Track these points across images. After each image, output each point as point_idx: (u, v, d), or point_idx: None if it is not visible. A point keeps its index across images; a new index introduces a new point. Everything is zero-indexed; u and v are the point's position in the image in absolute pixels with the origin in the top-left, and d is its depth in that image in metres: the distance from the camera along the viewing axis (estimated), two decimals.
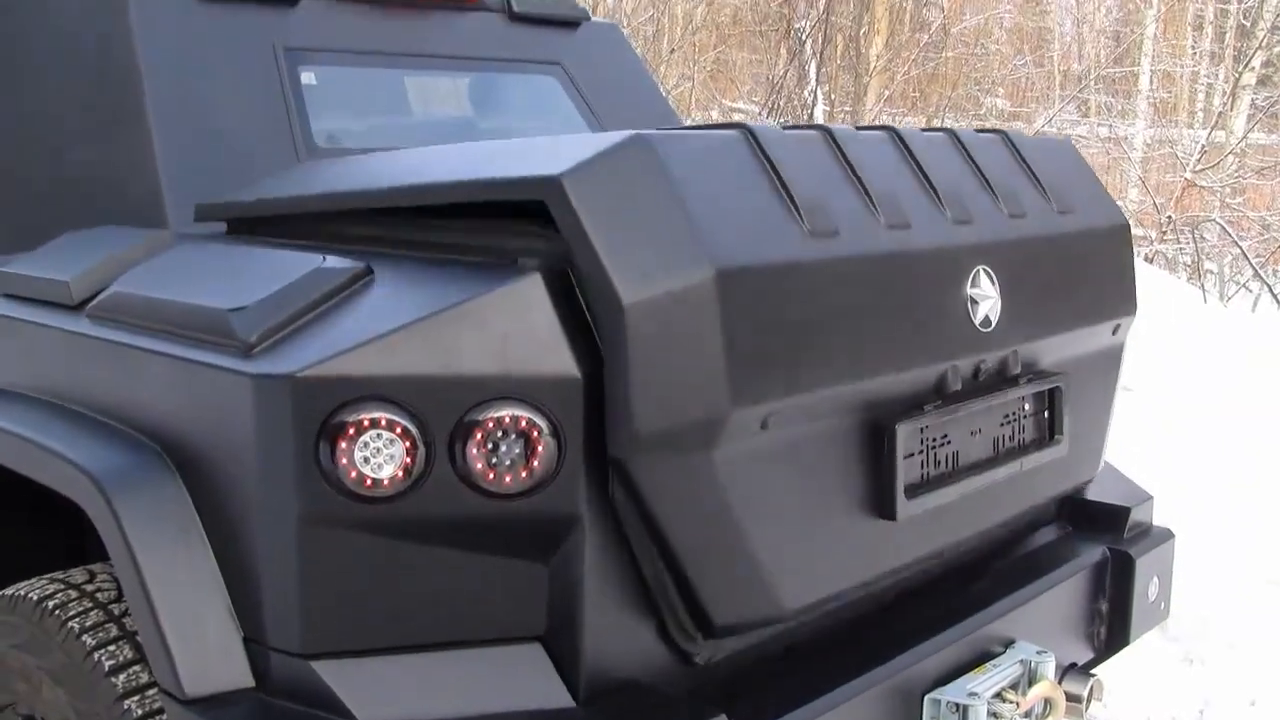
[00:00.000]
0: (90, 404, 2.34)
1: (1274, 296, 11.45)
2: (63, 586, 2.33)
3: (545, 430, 1.99)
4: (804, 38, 16.01)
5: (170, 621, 2.02)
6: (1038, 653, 2.62)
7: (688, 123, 5.23)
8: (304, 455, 1.94)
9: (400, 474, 1.95)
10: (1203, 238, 13.72)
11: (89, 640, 2.21)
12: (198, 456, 2.11)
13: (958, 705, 2.43)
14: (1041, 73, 21.82)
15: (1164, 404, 7.11)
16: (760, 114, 14.79)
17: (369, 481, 1.94)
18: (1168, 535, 3.15)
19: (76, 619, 2.25)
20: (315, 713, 1.99)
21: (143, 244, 2.53)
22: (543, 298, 1.99)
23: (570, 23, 3.64)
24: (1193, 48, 20.58)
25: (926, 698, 2.43)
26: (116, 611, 2.27)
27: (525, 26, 3.51)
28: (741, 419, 2.05)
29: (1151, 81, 19.53)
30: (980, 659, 2.56)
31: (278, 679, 2.03)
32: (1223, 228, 13.43)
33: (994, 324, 2.52)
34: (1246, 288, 12.24)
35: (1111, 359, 3.02)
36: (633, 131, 2.09)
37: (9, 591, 2.37)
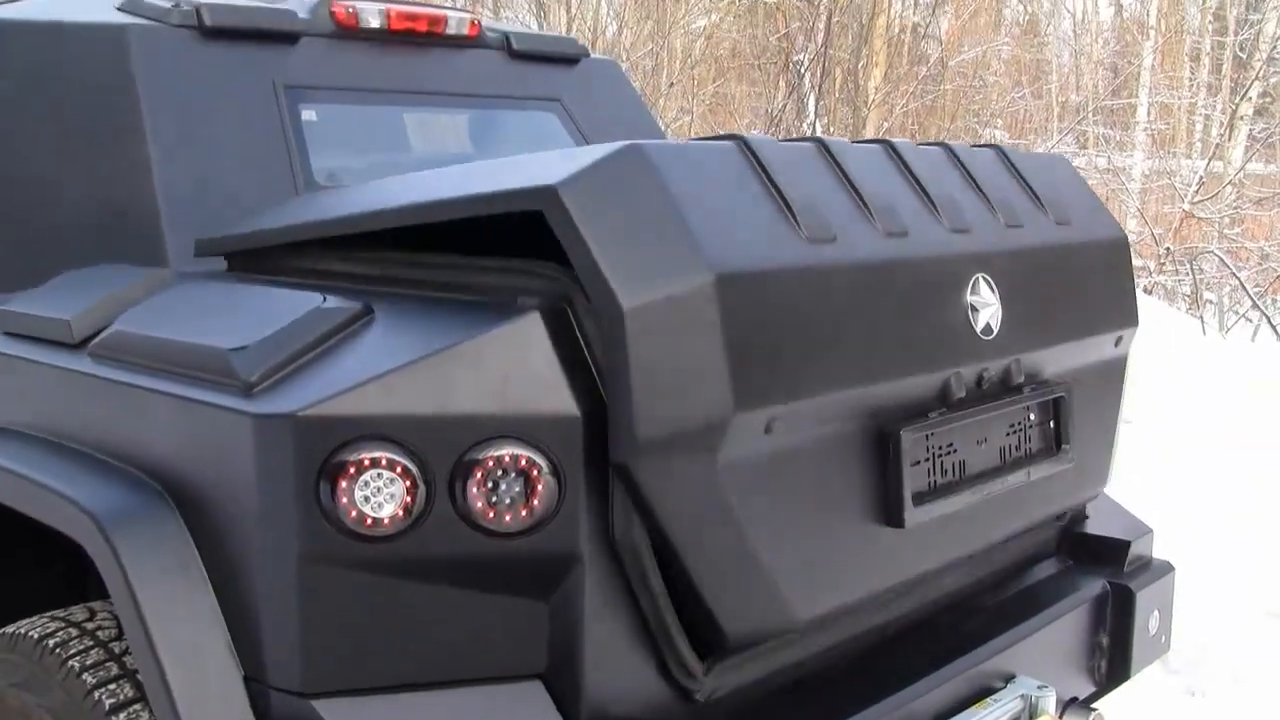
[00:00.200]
0: (91, 442, 2.35)
1: (1273, 327, 11.46)
2: (63, 624, 2.32)
3: (545, 469, 1.99)
4: (802, 71, 16.08)
5: (170, 660, 2.02)
6: (1039, 687, 2.62)
7: None
8: (304, 494, 1.94)
9: (400, 513, 1.96)
10: (1201, 269, 13.74)
11: (89, 679, 2.21)
12: (198, 495, 2.11)
13: None
14: (1040, 104, 21.89)
15: (1164, 435, 7.11)
16: None
17: (369, 520, 1.94)
18: (1168, 568, 3.15)
19: (77, 657, 2.24)
20: None
21: (143, 282, 2.54)
22: (542, 337, 2.00)
23: (569, 59, 3.66)
24: (1190, 79, 20.65)
25: None
26: (117, 650, 2.26)
27: (525, 63, 3.53)
28: (745, 423, 2.05)
29: (1149, 113, 19.59)
30: (981, 694, 2.56)
31: (278, 718, 2.03)
32: (1221, 259, 13.45)
33: (995, 332, 2.53)
34: (1246, 318, 12.25)
35: (1115, 371, 3.03)
36: (627, 141, 2.10)
37: (9, 629, 2.36)
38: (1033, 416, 2.73)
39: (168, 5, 2.91)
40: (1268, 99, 19.43)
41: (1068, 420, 2.78)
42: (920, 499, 2.40)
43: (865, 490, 2.33)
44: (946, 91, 18.69)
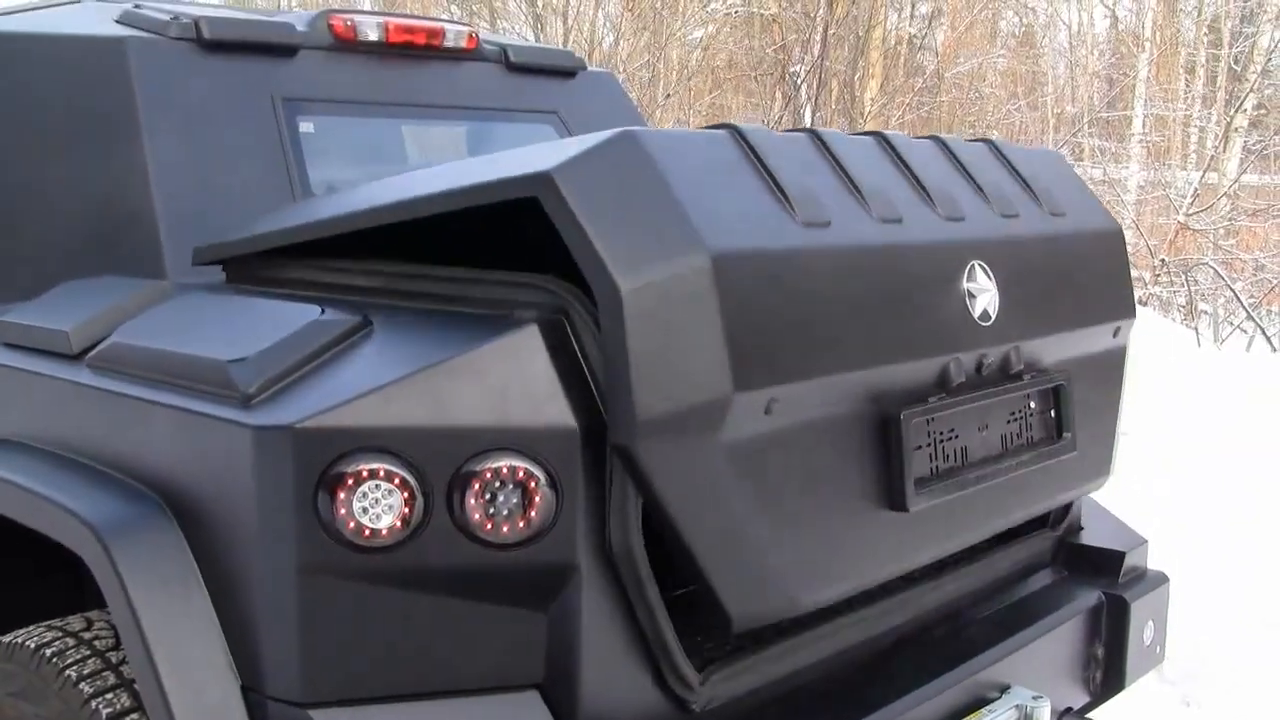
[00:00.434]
0: (89, 453, 2.35)
1: (1267, 338, 11.49)
2: (60, 634, 2.33)
3: (543, 480, 2.00)
4: (799, 82, 16.12)
5: (168, 670, 2.02)
6: (1033, 698, 2.62)
7: None
8: (303, 505, 1.95)
9: (398, 524, 1.96)
10: (1196, 280, 13.76)
11: (86, 688, 2.21)
12: (196, 506, 2.12)
13: None
14: (1035, 116, 21.93)
15: (1161, 445, 7.12)
16: None
17: (367, 531, 1.95)
18: (1163, 579, 3.16)
19: (74, 666, 2.24)
20: None
21: (142, 294, 2.55)
22: (539, 349, 2.01)
23: (567, 72, 3.68)
24: (1185, 91, 20.71)
25: None
26: (114, 659, 2.26)
27: (522, 76, 3.54)
28: (745, 403, 2.05)
29: (1144, 125, 19.64)
30: (976, 704, 2.56)
31: None
32: (1215, 270, 13.48)
33: (993, 318, 2.54)
34: (1241, 329, 12.27)
35: (1115, 362, 3.04)
36: (621, 128, 2.12)
37: (6, 639, 2.36)
38: (1033, 404, 2.74)
39: (167, 18, 2.92)
40: (1262, 111, 19.48)
41: (1068, 409, 2.79)
42: (923, 483, 2.40)
43: (868, 474, 2.33)
44: (942, 103, 18.76)
